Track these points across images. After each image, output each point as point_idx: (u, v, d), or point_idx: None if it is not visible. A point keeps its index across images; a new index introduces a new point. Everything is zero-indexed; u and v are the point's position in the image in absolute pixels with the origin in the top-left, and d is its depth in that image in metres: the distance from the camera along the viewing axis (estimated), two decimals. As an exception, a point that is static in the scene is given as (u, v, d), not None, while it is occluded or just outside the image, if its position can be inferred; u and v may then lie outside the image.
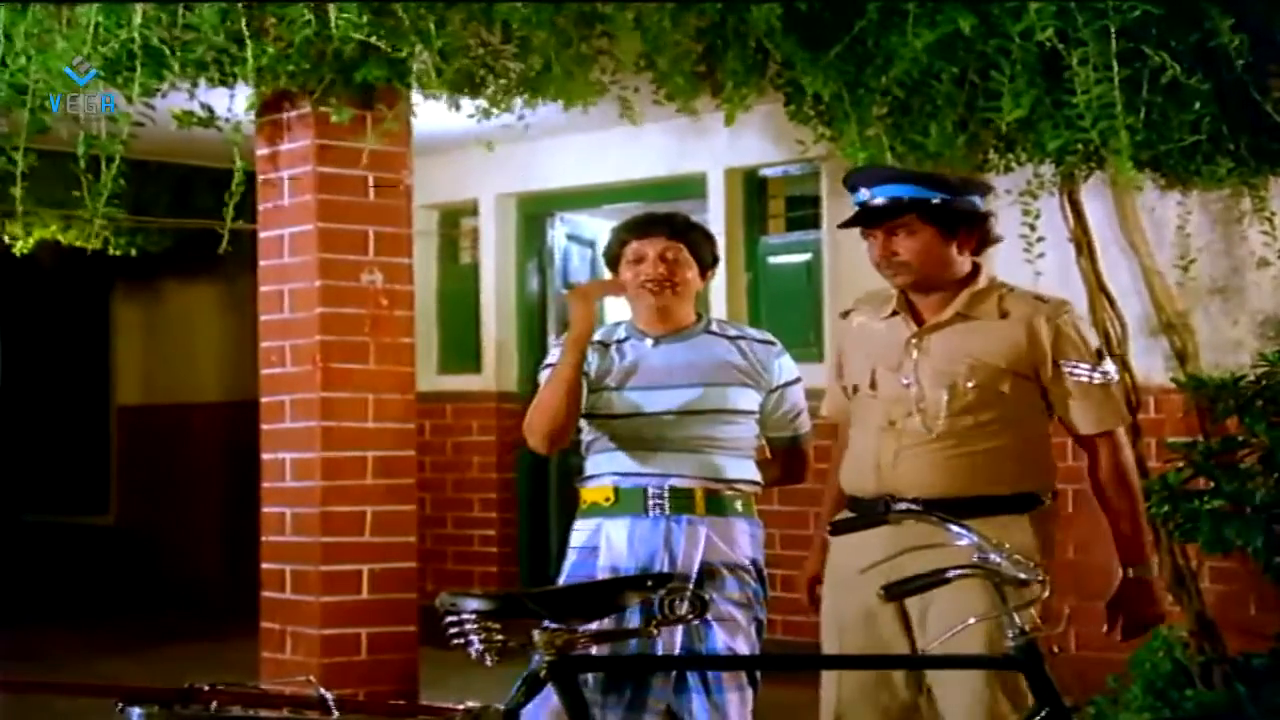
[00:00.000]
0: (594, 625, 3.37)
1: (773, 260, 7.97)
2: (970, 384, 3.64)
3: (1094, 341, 3.77)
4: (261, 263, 6.03)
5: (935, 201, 3.65)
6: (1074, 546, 5.64)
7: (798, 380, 4.01)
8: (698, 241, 3.94)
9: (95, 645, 8.69)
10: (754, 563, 3.87)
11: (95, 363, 11.73)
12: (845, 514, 3.74)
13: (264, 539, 5.99)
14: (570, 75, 5.35)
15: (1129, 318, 6.01)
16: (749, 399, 3.90)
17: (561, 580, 3.91)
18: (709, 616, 3.67)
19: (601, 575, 3.80)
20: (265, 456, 6.00)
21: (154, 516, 11.15)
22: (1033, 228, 5.69)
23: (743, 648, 3.79)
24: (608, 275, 4.04)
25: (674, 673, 3.75)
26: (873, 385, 3.76)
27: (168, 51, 5.01)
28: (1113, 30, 4.80)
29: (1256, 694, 5.39)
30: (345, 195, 5.82)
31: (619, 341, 3.95)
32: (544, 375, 3.91)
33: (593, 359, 3.89)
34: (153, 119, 5.19)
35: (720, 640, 3.75)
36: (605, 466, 3.88)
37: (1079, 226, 5.95)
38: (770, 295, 7.91)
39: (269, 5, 5.11)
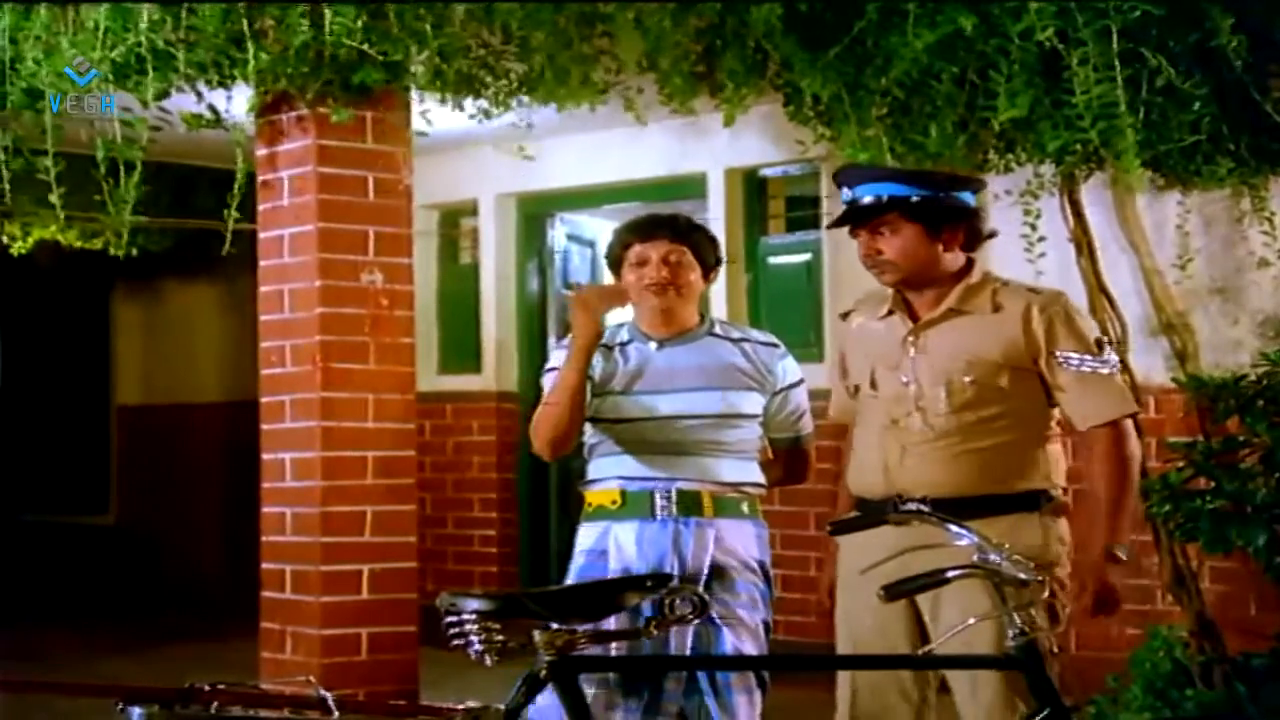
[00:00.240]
0: (591, 626, 3.37)
1: (773, 260, 7.97)
2: (968, 379, 3.64)
3: (1093, 331, 3.71)
4: (261, 263, 6.03)
5: (914, 199, 3.65)
6: (1074, 546, 5.62)
7: (801, 382, 4.00)
8: (701, 243, 3.92)
9: (95, 645, 8.68)
10: (761, 564, 3.86)
11: (95, 362, 11.72)
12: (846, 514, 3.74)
13: (264, 539, 5.99)
14: (569, 75, 5.36)
15: (1129, 318, 6.00)
16: (754, 402, 3.88)
17: (569, 583, 3.87)
18: (717, 619, 3.67)
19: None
20: (265, 456, 6.00)
21: (154, 516, 11.14)
22: (1033, 228, 5.71)
23: (751, 650, 3.77)
24: (608, 276, 4.03)
25: (684, 675, 3.74)
26: (873, 385, 3.77)
27: (175, 54, 5.02)
28: (1114, 30, 4.80)
29: (1256, 694, 5.39)
30: (345, 195, 5.83)
31: (622, 344, 3.92)
32: (547, 379, 3.89)
33: (596, 362, 3.85)
34: (169, 121, 5.20)
35: (729, 642, 3.74)
36: (610, 470, 3.86)
37: (1079, 226, 5.95)
38: (770, 295, 7.91)
39: (269, 6, 5.11)
